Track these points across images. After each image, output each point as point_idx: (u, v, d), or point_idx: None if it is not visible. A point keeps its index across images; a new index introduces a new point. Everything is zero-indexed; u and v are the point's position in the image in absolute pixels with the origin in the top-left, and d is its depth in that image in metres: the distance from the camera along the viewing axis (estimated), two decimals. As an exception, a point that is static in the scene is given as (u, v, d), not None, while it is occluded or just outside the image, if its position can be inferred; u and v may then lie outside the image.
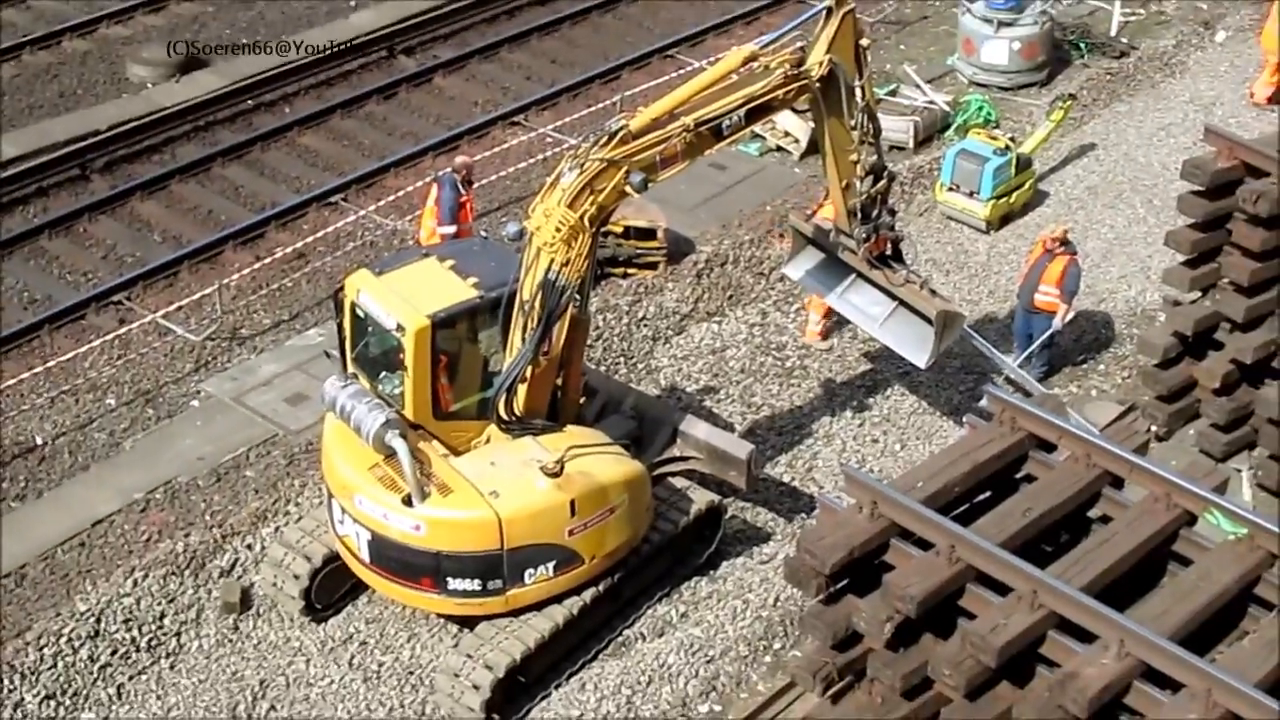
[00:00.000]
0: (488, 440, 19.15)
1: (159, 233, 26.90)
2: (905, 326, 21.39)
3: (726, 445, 20.35)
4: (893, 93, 30.17)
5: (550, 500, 18.66)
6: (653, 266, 25.66)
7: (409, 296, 18.64)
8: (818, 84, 19.64)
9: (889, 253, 21.41)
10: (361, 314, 19.03)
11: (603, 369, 23.43)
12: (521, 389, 18.73)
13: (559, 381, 19.30)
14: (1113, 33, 32.94)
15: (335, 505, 19.37)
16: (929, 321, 21.04)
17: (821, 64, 19.55)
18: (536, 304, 18.15)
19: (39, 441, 22.67)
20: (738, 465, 20.16)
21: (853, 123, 20.13)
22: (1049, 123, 28.72)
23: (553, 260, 18.00)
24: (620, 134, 18.13)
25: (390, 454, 18.51)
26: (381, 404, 18.68)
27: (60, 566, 20.86)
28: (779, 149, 29.10)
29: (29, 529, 21.33)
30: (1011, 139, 27.86)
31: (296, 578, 19.88)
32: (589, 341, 22.30)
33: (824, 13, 19.65)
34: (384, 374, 19.23)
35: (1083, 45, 32.28)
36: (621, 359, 24.07)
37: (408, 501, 18.50)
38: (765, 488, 22.02)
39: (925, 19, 33.69)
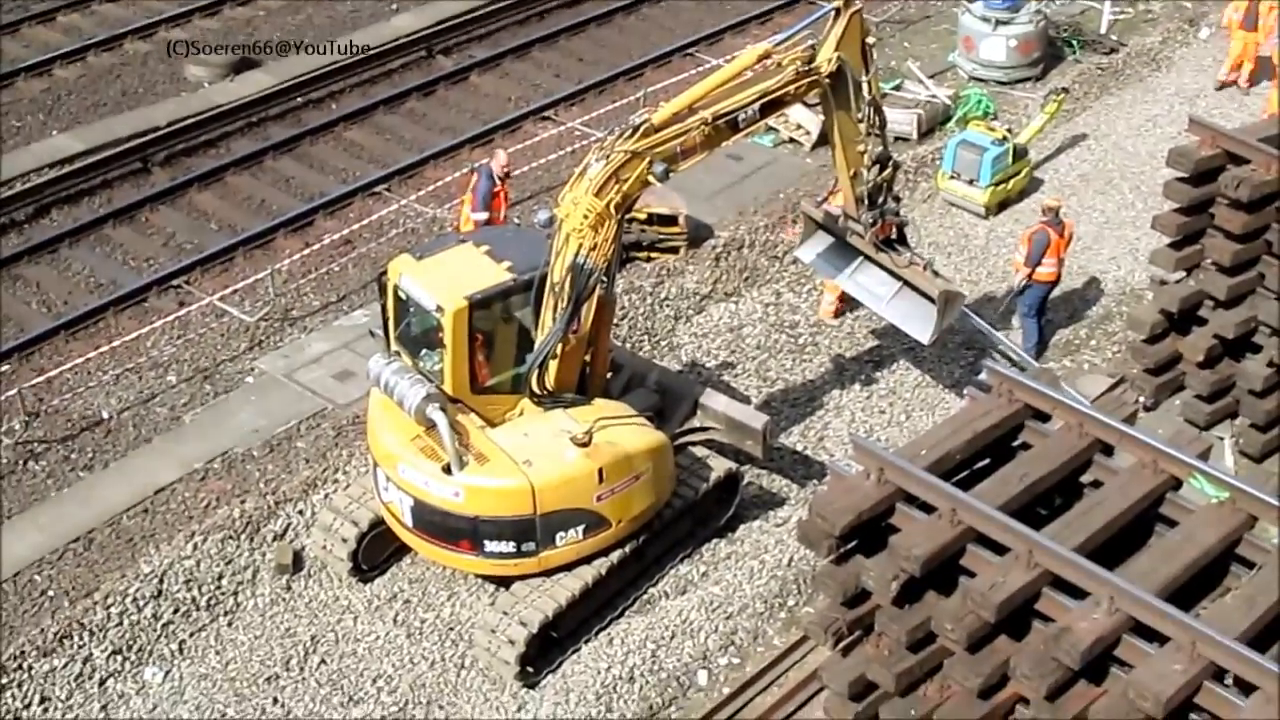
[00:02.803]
0: (521, 413, 19.17)
1: (215, 221, 26.92)
2: (909, 305, 21.37)
3: (743, 416, 20.35)
4: (897, 87, 30.07)
5: (579, 468, 18.69)
6: (674, 251, 25.63)
7: (447, 279, 18.65)
8: (827, 79, 19.58)
9: (894, 236, 21.35)
10: (403, 296, 19.04)
11: (628, 346, 23.42)
12: (552, 365, 18.76)
13: (587, 358, 19.31)
14: (1103, 30, 32.79)
15: (380, 473, 19.40)
16: (931, 300, 21.01)
17: (830, 61, 19.50)
18: (566, 286, 18.16)
19: (105, 416, 22.73)
20: (754, 435, 20.15)
21: (860, 115, 20.07)
22: (1043, 115, 28.60)
23: (581, 245, 18.00)
24: (643, 127, 18.11)
25: (431, 426, 18.54)
26: (423, 379, 18.69)
27: (125, 532, 20.94)
28: (791, 141, 29.03)
29: (96, 497, 21.41)
30: (1009, 130, 27.75)
31: (344, 541, 19.93)
32: (615, 321, 22.30)
33: (832, 13, 19.59)
34: (425, 351, 19.24)
35: (1075, 43, 32.15)
36: (645, 336, 24.04)
37: (447, 470, 18.55)
38: (780, 456, 22.03)
39: (928, 18, 33.56)
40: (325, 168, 28.45)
